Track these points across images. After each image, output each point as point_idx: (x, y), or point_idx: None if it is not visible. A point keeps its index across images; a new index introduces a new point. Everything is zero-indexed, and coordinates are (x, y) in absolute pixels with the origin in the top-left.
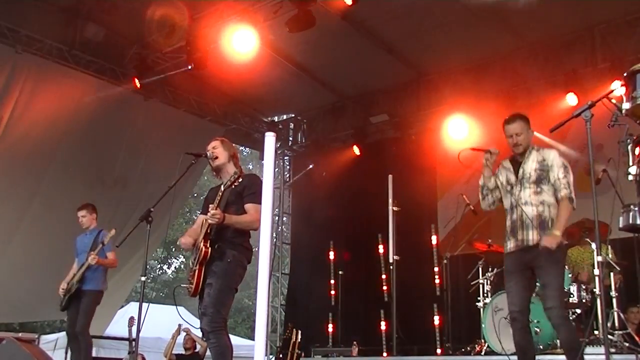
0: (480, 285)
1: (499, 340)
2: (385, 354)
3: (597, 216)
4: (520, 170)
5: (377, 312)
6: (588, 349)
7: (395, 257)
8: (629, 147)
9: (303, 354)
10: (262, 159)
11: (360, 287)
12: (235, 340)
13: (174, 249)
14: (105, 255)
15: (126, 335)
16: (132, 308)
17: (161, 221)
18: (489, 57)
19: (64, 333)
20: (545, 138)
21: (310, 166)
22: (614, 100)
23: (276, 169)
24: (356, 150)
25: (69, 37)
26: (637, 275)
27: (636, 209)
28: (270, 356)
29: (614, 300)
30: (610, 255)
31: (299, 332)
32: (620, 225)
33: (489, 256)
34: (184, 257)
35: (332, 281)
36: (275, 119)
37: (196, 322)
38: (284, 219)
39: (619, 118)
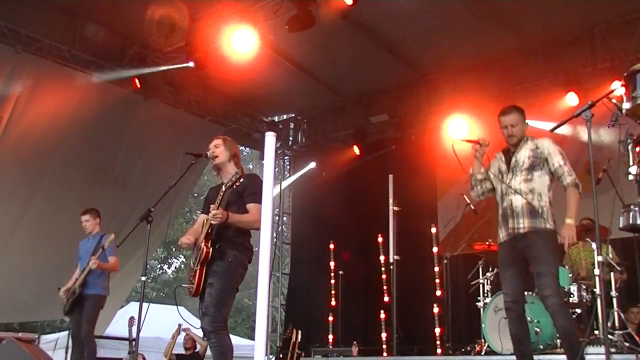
0: (480, 285)
1: (499, 340)
2: (385, 354)
3: (598, 216)
4: (513, 159)
5: (377, 312)
6: (588, 349)
7: (395, 257)
8: (629, 147)
9: (303, 354)
10: (262, 159)
11: (360, 287)
12: (235, 340)
13: (174, 249)
14: (107, 259)
15: (126, 335)
16: (132, 308)
17: (161, 221)
18: (489, 57)
19: (64, 333)
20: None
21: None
22: (614, 100)
23: (276, 169)
24: (356, 150)
25: (69, 37)
26: (638, 275)
27: (636, 209)
28: (270, 356)
29: (614, 300)
30: (610, 255)
31: (299, 332)
32: (621, 225)
33: (489, 256)
34: (184, 257)
35: (332, 281)
36: (275, 119)
37: (196, 322)
38: (284, 219)
39: (619, 118)
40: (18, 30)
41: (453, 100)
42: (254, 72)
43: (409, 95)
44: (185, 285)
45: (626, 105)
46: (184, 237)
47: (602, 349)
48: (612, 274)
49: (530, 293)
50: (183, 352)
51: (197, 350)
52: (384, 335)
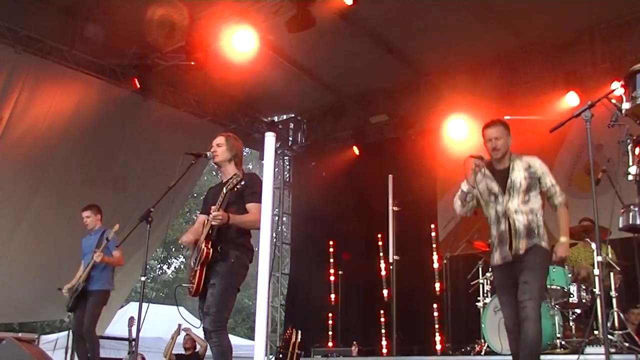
0: (480, 285)
1: (499, 340)
2: (385, 354)
3: (597, 217)
4: (509, 181)
5: (377, 312)
6: (588, 349)
7: (395, 257)
8: (629, 147)
9: (303, 354)
10: (262, 159)
11: (360, 287)
12: (235, 340)
13: (174, 249)
14: (111, 253)
15: (126, 335)
16: (132, 308)
17: (161, 221)
18: (488, 57)
19: (64, 333)
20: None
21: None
22: (614, 100)
23: (276, 169)
24: (356, 150)
25: (68, 37)
26: (637, 275)
27: (636, 209)
28: (270, 356)
29: (614, 301)
30: (610, 255)
31: (299, 332)
32: (620, 225)
33: (489, 256)
34: (184, 257)
35: (332, 281)
36: (275, 119)
37: (196, 322)
38: (284, 219)
39: (619, 118)
40: (18, 30)
41: (453, 101)
42: (254, 72)
43: (409, 95)
44: (185, 285)
45: (626, 106)
46: (185, 235)
47: (602, 349)
48: (611, 274)
49: None
50: (183, 352)
51: (196, 350)
52: (383, 335)
